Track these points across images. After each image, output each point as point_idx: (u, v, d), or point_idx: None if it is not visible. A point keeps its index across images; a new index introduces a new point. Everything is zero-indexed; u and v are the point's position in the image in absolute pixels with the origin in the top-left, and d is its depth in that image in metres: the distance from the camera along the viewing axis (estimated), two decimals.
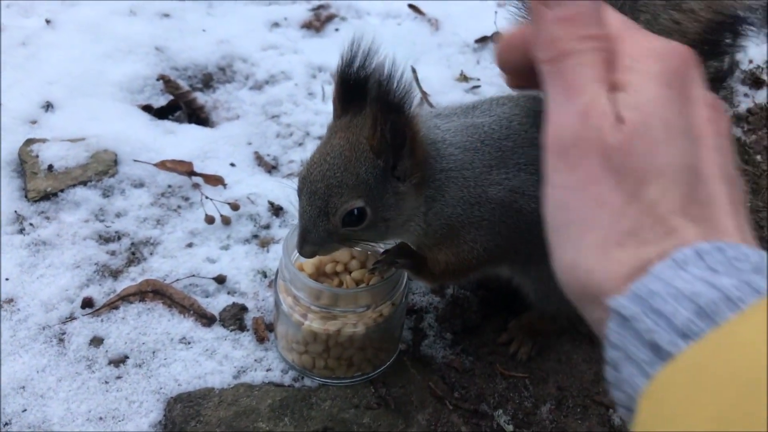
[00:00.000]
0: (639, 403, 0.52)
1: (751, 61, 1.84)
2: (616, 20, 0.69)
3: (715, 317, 0.52)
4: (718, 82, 1.03)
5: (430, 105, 1.66)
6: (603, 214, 0.61)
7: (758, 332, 0.46)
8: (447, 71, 1.82)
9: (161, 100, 1.66)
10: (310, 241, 0.94)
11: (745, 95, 1.77)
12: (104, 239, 1.30)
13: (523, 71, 0.69)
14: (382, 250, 1.06)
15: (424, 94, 1.69)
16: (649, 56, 0.65)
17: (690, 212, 0.60)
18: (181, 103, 1.65)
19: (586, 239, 0.61)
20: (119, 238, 1.31)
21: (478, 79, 1.80)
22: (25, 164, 1.41)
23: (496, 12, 1.94)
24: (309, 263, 1.06)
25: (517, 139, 0.97)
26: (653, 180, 0.60)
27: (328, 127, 0.96)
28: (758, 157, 1.61)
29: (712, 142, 0.64)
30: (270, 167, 1.50)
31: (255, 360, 1.13)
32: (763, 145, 1.64)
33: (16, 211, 1.32)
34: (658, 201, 0.60)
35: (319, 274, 1.08)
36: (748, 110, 1.74)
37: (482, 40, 1.92)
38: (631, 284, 0.57)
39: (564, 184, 0.63)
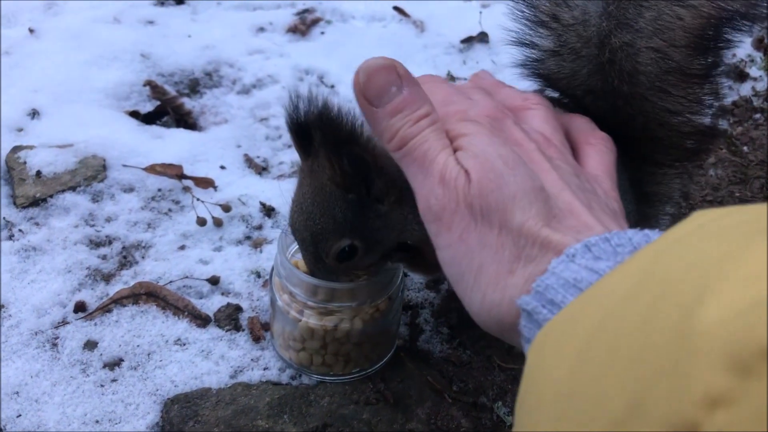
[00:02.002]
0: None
1: (734, 55, 1.86)
2: (435, 93, 0.80)
3: None
4: (705, 77, 1.03)
5: None
6: (486, 254, 0.68)
7: (606, 291, 0.52)
8: (434, 72, 1.82)
9: (148, 106, 1.65)
10: (319, 277, 1.00)
11: (730, 88, 1.79)
12: (95, 244, 1.29)
13: None
14: None
15: None
16: (467, 120, 0.77)
17: (553, 225, 0.68)
18: (168, 108, 1.64)
19: (482, 280, 0.68)
20: (110, 243, 1.30)
21: (465, 79, 1.80)
22: (12, 171, 1.39)
23: (480, 12, 1.96)
24: None
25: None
26: (512, 206, 0.68)
27: (298, 169, 0.97)
28: (745, 148, 1.63)
29: (547, 165, 0.74)
30: (260, 169, 1.50)
31: (252, 359, 1.12)
32: (749, 136, 1.66)
33: (4, 218, 1.30)
34: (524, 222, 0.67)
35: None
36: (734, 103, 1.76)
37: (467, 41, 1.93)
38: (533, 283, 0.64)
39: (447, 243, 0.71)
